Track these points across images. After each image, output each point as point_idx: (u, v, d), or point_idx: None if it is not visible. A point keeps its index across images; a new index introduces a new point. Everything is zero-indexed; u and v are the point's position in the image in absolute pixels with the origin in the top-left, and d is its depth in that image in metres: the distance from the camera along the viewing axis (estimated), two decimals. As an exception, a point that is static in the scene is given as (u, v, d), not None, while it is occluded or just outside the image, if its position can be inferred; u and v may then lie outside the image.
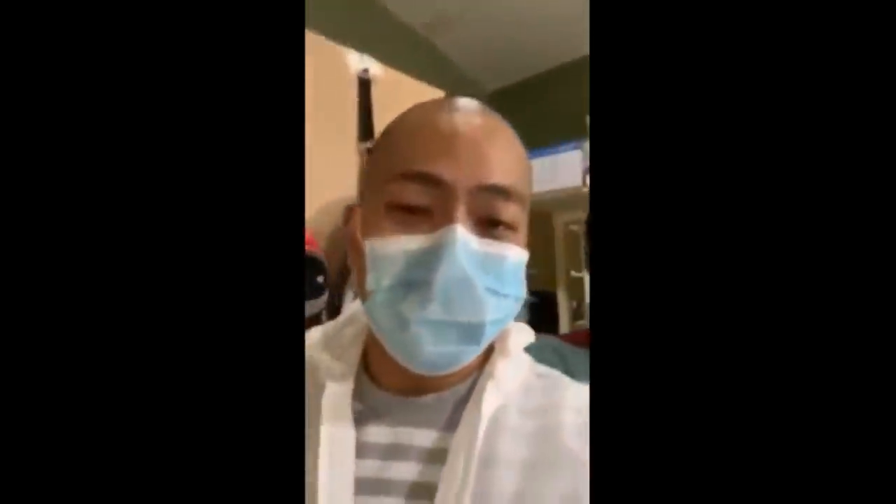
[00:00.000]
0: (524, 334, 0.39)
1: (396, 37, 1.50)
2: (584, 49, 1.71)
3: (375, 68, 1.03)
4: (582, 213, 1.60)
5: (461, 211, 0.29)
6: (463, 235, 0.29)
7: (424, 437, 0.33)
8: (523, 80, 1.92)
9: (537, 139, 1.55)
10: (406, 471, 0.31)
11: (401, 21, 1.52)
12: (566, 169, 1.40)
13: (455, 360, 0.32)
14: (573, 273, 1.67)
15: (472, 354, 0.33)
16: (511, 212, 0.31)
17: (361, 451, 0.32)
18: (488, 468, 0.31)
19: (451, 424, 0.33)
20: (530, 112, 1.87)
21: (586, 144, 1.40)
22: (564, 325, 1.64)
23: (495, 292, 0.31)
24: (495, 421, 0.33)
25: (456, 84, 1.57)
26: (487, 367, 0.35)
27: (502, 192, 0.31)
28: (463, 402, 0.34)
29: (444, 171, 0.29)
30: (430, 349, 0.30)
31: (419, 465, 0.31)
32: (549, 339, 0.73)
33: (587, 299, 1.69)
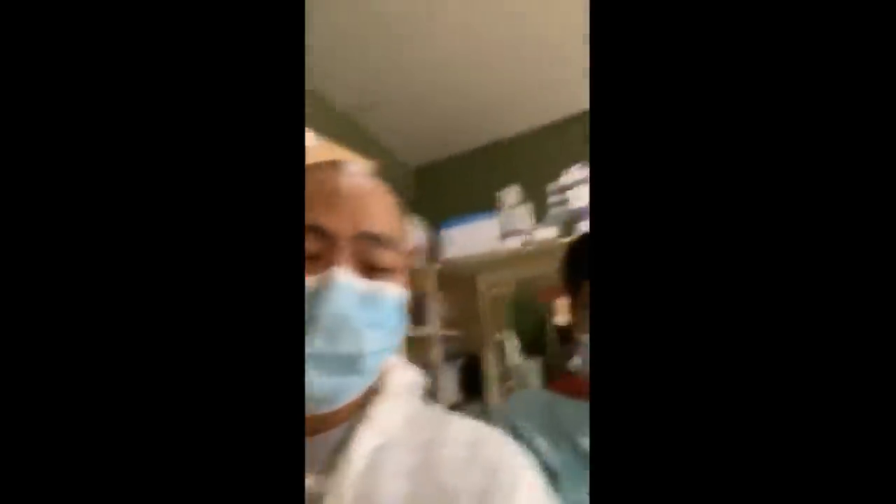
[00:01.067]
0: (408, 374, 0.42)
1: (325, 116, 1.60)
2: (498, 133, 1.95)
3: (309, 139, 1.11)
4: (503, 275, 1.72)
5: (343, 256, 0.33)
6: (343, 276, 0.32)
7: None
8: (445, 158, 2.10)
9: (457, 210, 1.69)
10: None
11: (331, 103, 1.64)
12: (484, 234, 1.52)
13: (340, 392, 0.33)
14: (497, 336, 1.75)
15: (356, 387, 0.35)
16: (388, 256, 0.35)
17: None
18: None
19: (329, 467, 0.33)
20: (451, 186, 2.04)
21: (501, 214, 1.55)
22: (491, 386, 1.66)
23: (375, 326, 0.34)
24: (373, 461, 0.34)
25: (382, 159, 1.68)
26: (367, 409, 0.37)
27: (378, 239, 0.35)
28: (341, 444, 0.35)
29: (327, 222, 0.34)
30: (316, 381, 0.32)
31: None
32: (539, 393, 0.69)
33: (510, 361, 1.76)
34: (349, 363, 0.33)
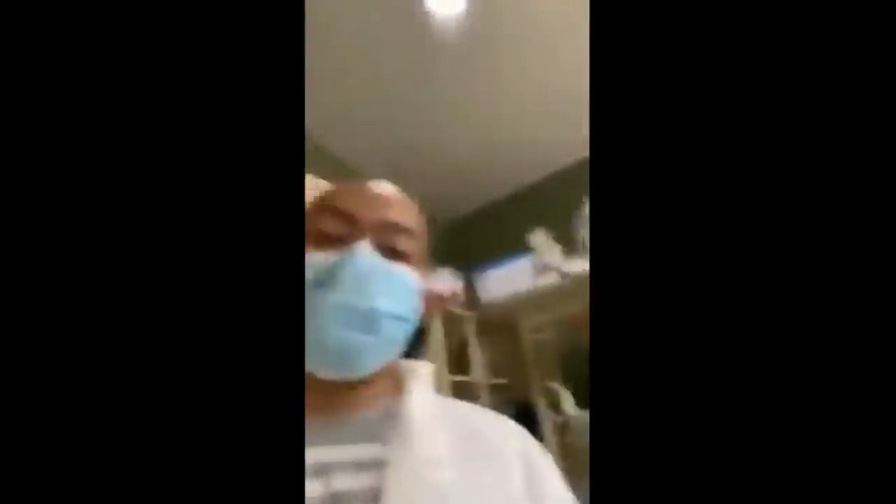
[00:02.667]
0: (426, 366, 0.45)
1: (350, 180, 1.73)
2: (517, 182, 2.04)
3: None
4: (545, 318, 1.68)
5: (366, 236, 0.38)
6: (366, 247, 0.37)
7: (357, 452, 0.35)
8: (471, 211, 2.20)
9: (489, 257, 1.73)
10: (347, 482, 0.33)
11: (353, 170, 1.78)
12: (519, 275, 1.54)
13: (355, 352, 0.36)
14: (548, 384, 1.66)
15: (372, 350, 0.37)
16: (406, 243, 0.40)
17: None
18: (425, 466, 0.34)
19: (379, 437, 0.36)
20: (480, 237, 2.11)
21: (532, 254, 1.58)
22: (549, 440, 1.55)
23: (390, 295, 0.38)
24: (426, 429, 0.37)
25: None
26: (402, 389, 0.40)
27: (398, 227, 0.40)
28: (384, 418, 0.38)
29: (353, 208, 0.40)
30: (333, 333, 0.35)
31: (359, 475, 0.34)
32: None
33: (571, 412, 1.65)
34: (364, 319, 0.36)
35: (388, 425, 0.37)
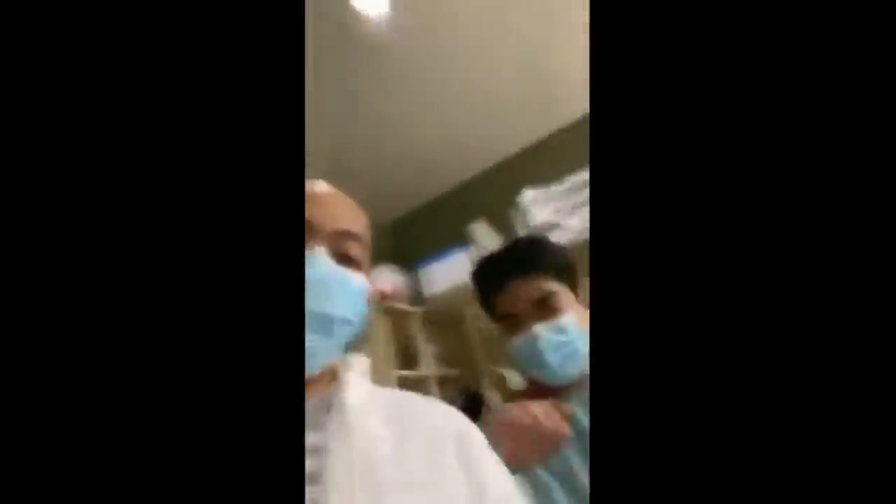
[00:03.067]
0: (362, 360, 0.48)
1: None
2: (455, 178, 2.09)
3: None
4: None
5: (323, 244, 0.41)
6: (322, 253, 0.40)
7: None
8: (412, 209, 2.22)
9: (433, 251, 1.76)
10: None
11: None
12: (460, 267, 1.58)
13: (313, 352, 0.38)
14: (494, 368, 1.73)
15: (326, 350, 0.39)
16: (356, 249, 0.43)
17: None
18: (363, 446, 0.36)
19: (317, 426, 0.38)
20: (421, 234, 2.13)
21: (471, 247, 1.63)
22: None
23: (343, 299, 0.40)
24: (362, 414, 0.39)
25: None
26: (339, 379, 0.42)
27: (349, 234, 0.43)
28: (321, 408, 0.39)
29: (312, 218, 0.42)
30: None
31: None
32: None
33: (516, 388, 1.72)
34: (321, 323, 0.39)
35: (324, 414, 0.38)
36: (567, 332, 0.62)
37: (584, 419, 0.58)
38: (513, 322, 0.65)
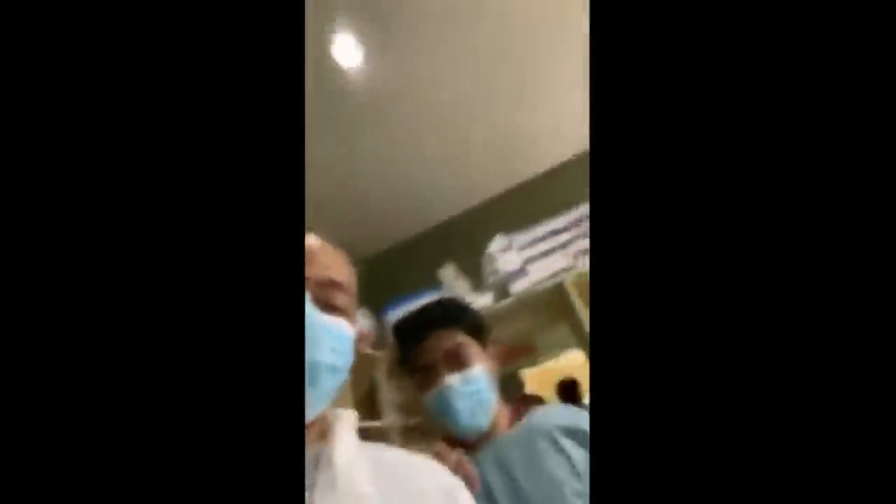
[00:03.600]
0: (349, 415, 0.48)
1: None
2: (426, 221, 2.11)
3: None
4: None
5: (311, 294, 0.42)
6: (309, 303, 0.40)
7: None
8: (382, 250, 2.21)
9: (401, 293, 1.74)
10: None
11: None
12: (427, 312, 1.56)
13: None
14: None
15: (313, 402, 0.40)
16: (343, 299, 0.44)
17: None
18: (351, 502, 0.36)
19: (312, 482, 0.38)
20: (389, 277, 2.12)
21: (440, 291, 1.62)
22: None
23: (329, 347, 0.41)
24: (349, 472, 0.39)
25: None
26: (329, 435, 0.42)
27: (336, 284, 0.44)
28: (312, 464, 0.39)
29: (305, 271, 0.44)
30: None
31: None
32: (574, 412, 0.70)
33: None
34: (308, 371, 0.39)
35: (312, 469, 0.38)
36: (476, 383, 0.68)
37: (492, 478, 0.62)
38: (427, 375, 0.71)
